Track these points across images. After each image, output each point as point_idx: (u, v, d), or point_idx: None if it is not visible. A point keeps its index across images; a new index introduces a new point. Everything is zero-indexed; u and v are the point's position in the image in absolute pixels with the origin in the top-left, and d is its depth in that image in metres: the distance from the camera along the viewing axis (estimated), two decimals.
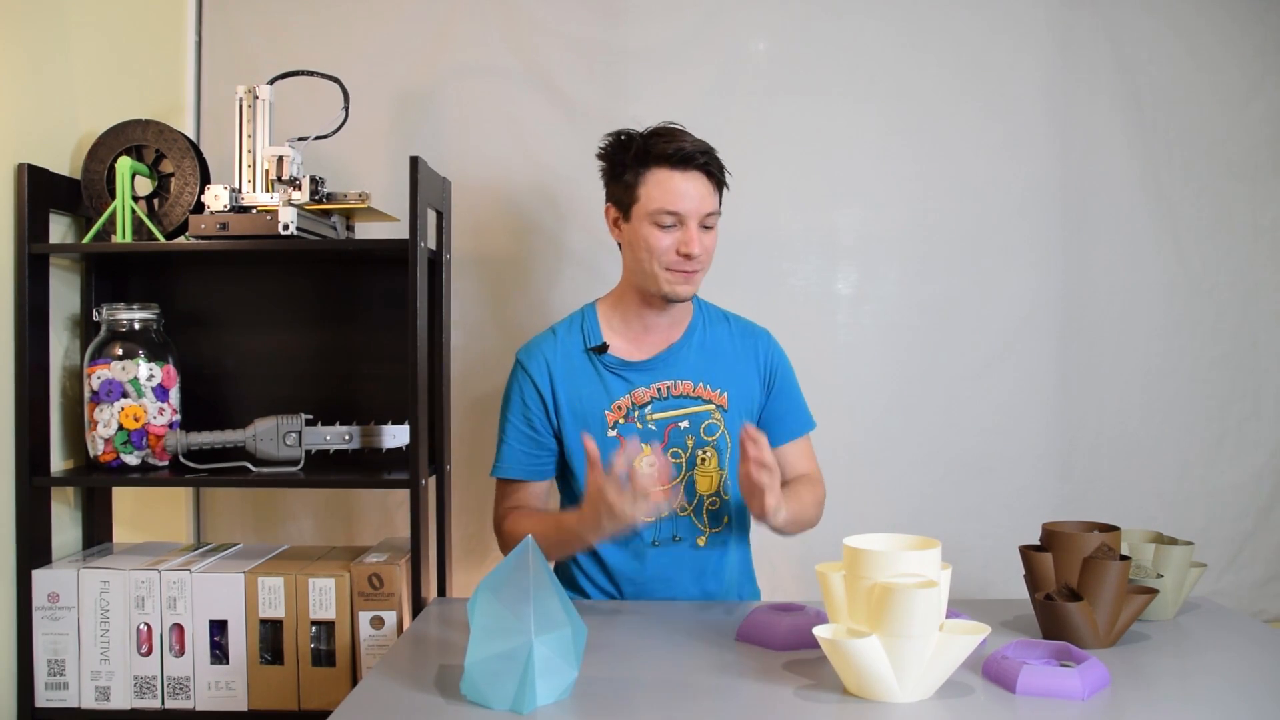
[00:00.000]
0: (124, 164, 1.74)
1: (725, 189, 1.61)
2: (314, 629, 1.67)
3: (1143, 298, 2.15)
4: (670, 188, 1.53)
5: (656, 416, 1.62)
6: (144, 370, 1.76)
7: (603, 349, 1.63)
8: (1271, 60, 2.15)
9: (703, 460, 1.62)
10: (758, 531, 1.78)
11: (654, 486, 1.38)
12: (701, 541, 1.64)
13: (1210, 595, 1.77)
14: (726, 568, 1.67)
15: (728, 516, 1.65)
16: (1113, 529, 1.42)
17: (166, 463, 1.79)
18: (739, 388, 1.65)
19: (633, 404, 1.61)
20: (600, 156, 1.63)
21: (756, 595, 1.76)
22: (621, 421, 1.61)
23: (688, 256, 1.54)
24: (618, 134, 1.60)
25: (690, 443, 1.62)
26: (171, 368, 1.81)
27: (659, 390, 1.62)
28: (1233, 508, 2.16)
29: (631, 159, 1.55)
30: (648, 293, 1.60)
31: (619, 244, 1.65)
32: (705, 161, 1.55)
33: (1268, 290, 2.16)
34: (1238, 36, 2.14)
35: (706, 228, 1.57)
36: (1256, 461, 2.16)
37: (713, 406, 1.63)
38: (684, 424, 1.62)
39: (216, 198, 1.72)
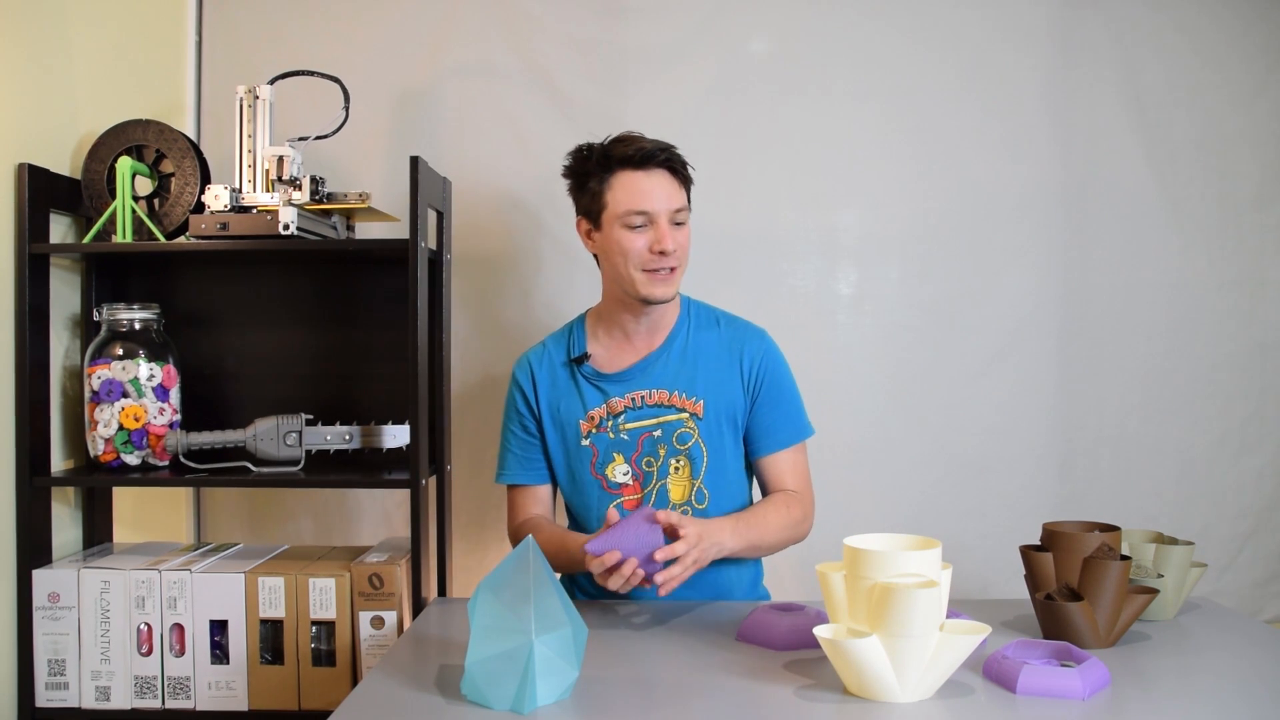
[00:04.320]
0: (124, 164, 1.74)
1: (690, 185, 1.62)
2: (314, 629, 1.67)
3: (1144, 297, 2.15)
4: (636, 188, 1.55)
5: (629, 426, 1.62)
6: (144, 370, 1.77)
7: (582, 359, 1.64)
8: (1276, 58, 2.14)
9: (675, 469, 1.62)
10: None
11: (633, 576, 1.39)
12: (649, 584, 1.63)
13: (1210, 595, 1.77)
14: (703, 577, 1.62)
15: None
16: (1113, 529, 1.42)
17: (167, 463, 1.79)
18: (717, 395, 1.62)
19: (607, 413, 1.62)
20: (565, 174, 1.64)
21: (762, 598, 1.75)
22: (594, 431, 1.62)
23: (662, 253, 1.54)
24: (577, 149, 1.62)
25: (663, 451, 1.62)
26: (172, 368, 1.81)
27: (633, 400, 1.63)
28: (1233, 508, 2.16)
29: (594, 167, 1.57)
30: (627, 299, 1.60)
31: (595, 256, 1.66)
32: (667, 158, 1.56)
33: (1275, 290, 2.16)
34: (1242, 34, 2.14)
35: (677, 224, 1.58)
36: (1257, 462, 2.16)
37: (686, 415, 1.62)
38: (657, 433, 1.62)
39: (217, 198, 1.72)
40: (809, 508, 1.65)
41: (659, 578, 1.39)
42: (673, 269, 1.57)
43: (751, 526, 1.54)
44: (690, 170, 1.61)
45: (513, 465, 1.68)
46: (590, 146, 1.60)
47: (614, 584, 1.39)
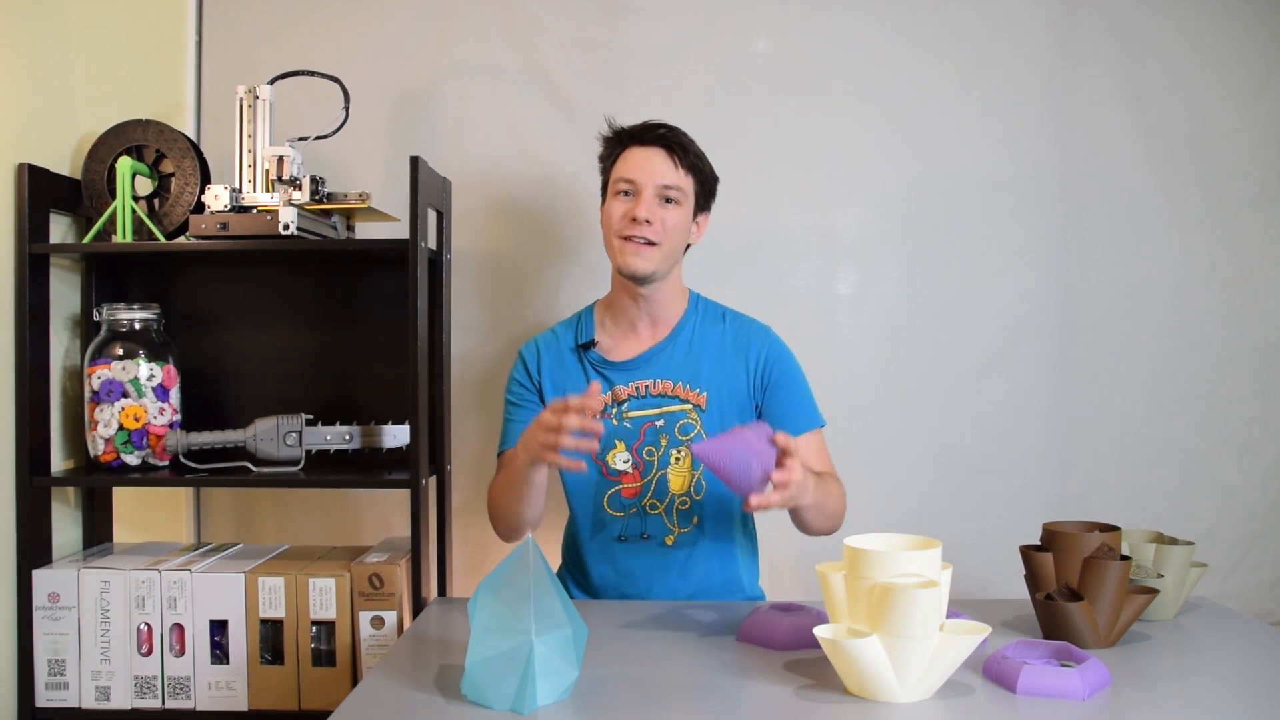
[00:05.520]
0: (124, 164, 1.74)
1: (703, 177, 1.65)
2: (314, 629, 1.67)
3: (1147, 297, 2.14)
4: (629, 160, 1.61)
5: (633, 414, 1.63)
6: (144, 370, 1.77)
7: (588, 346, 1.66)
8: (1275, 58, 2.14)
9: (676, 459, 1.63)
10: (762, 531, 1.78)
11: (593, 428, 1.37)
12: (669, 541, 1.64)
13: (1217, 597, 1.77)
14: (697, 569, 1.65)
15: (698, 517, 1.64)
16: (1113, 529, 1.42)
17: (167, 463, 1.79)
18: (723, 389, 1.64)
19: (611, 400, 1.64)
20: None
21: (755, 598, 1.75)
22: (598, 417, 1.62)
23: (634, 220, 1.57)
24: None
25: (664, 441, 1.63)
26: (172, 368, 1.81)
27: (637, 389, 1.64)
28: (1239, 509, 2.15)
29: (608, 144, 1.66)
30: (622, 279, 1.63)
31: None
32: (663, 135, 1.61)
33: (1278, 289, 2.15)
34: (1242, 33, 2.13)
35: (667, 201, 1.60)
36: (1263, 462, 2.16)
37: (689, 406, 1.63)
38: (659, 423, 1.63)
39: (217, 198, 1.72)
40: (844, 490, 1.64)
41: (756, 500, 1.32)
42: (652, 244, 1.58)
43: (822, 485, 1.52)
44: (693, 158, 1.63)
45: (510, 434, 1.68)
46: (612, 128, 1.67)
47: (561, 460, 1.36)
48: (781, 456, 1.34)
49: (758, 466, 1.32)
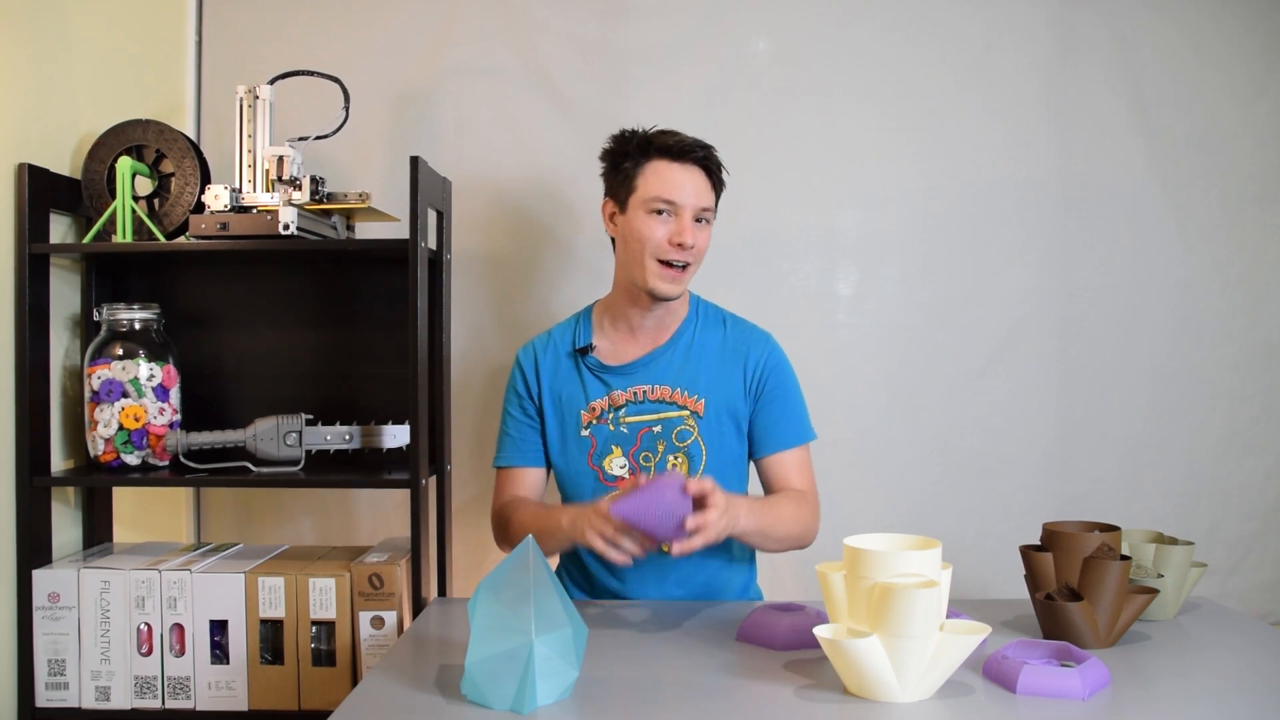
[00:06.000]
0: (124, 164, 1.74)
1: (721, 191, 1.64)
2: (314, 629, 1.67)
3: (1148, 298, 2.15)
4: (667, 177, 1.56)
5: (629, 420, 1.62)
6: (144, 370, 1.77)
7: (585, 350, 1.64)
8: (1275, 58, 2.14)
9: (673, 466, 1.62)
10: None
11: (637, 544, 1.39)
12: (667, 548, 1.63)
13: (1218, 598, 1.77)
14: (694, 576, 1.64)
15: None
16: (1113, 529, 1.42)
17: (167, 463, 1.79)
18: (719, 395, 1.62)
19: (609, 405, 1.63)
20: (602, 156, 1.65)
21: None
22: (594, 422, 1.63)
23: (680, 246, 1.55)
24: (620, 132, 1.63)
25: (661, 447, 1.62)
26: (172, 368, 1.81)
27: (635, 394, 1.63)
28: (1240, 509, 2.15)
29: (633, 149, 1.59)
30: (635, 289, 1.60)
31: (613, 241, 1.66)
32: (704, 156, 1.58)
33: (1278, 290, 2.15)
34: (1241, 35, 2.14)
35: (700, 222, 1.59)
36: (1264, 463, 2.16)
37: (687, 413, 1.62)
38: (656, 429, 1.62)
39: (217, 198, 1.72)
40: (817, 511, 1.63)
41: (678, 548, 1.35)
42: (685, 266, 1.57)
43: (766, 510, 1.53)
44: (725, 175, 1.63)
45: (507, 448, 1.68)
46: (634, 131, 1.61)
47: (615, 555, 1.38)
48: (700, 501, 1.36)
49: (675, 517, 1.35)
